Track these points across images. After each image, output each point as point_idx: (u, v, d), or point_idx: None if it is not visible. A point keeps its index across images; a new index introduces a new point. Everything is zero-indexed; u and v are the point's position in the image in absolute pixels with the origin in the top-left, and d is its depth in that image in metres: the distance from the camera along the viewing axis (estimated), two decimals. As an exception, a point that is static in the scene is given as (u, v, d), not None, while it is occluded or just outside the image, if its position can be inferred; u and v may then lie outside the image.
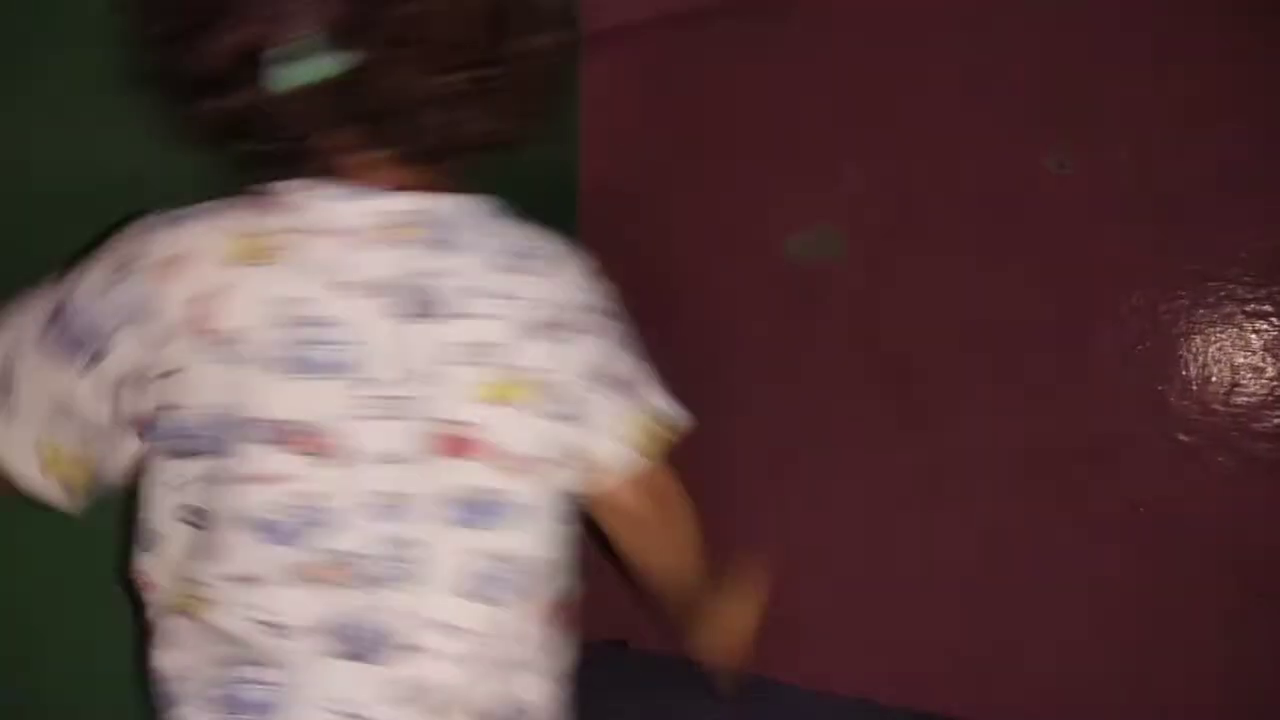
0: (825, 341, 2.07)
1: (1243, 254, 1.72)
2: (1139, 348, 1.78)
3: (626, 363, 1.14)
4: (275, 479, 0.82)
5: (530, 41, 0.92)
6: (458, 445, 0.89)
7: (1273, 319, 1.71)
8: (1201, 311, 1.75)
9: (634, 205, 2.31)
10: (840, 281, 2.05)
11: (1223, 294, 1.73)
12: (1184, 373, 1.76)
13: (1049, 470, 1.85)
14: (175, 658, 0.87)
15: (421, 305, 0.89)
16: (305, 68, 0.79)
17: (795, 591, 2.12)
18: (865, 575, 2.03)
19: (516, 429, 0.93)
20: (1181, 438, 1.75)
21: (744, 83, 2.16)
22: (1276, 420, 1.70)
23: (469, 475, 0.90)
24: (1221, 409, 1.73)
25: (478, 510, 0.89)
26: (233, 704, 0.83)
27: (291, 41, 0.79)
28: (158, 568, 0.88)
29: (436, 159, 0.94)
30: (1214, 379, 1.74)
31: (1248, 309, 1.72)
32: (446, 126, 0.89)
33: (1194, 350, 1.75)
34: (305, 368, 0.82)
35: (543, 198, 2.28)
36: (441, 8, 0.83)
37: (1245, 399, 1.72)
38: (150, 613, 0.92)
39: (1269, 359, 1.71)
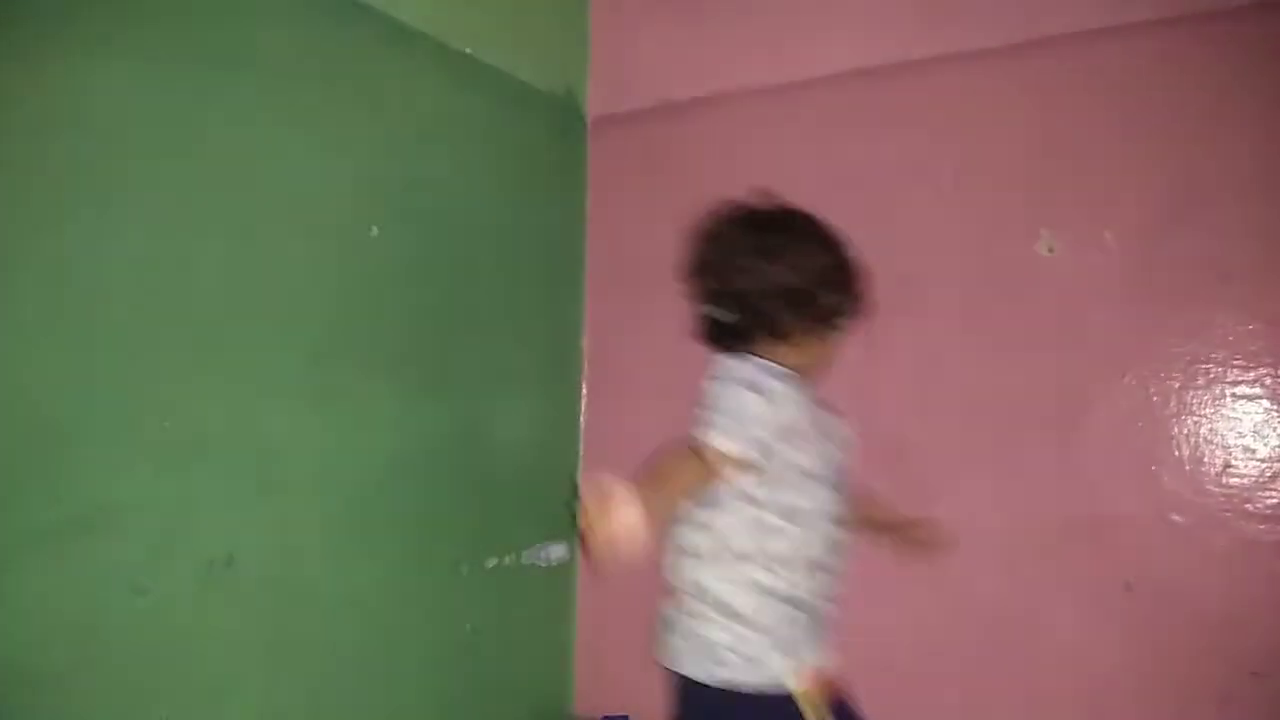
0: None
1: (1230, 337, 1.76)
2: (1132, 429, 1.81)
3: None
4: None
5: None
6: None
7: (1263, 401, 1.74)
8: (1192, 393, 1.78)
9: (640, 281, 2.36)
10: (838, 357, 2.08)
11: (1213, 376, 1.77)
12: (1176, 454, 1.78)
13: (1046, 550, 1.86)
14: None
15: None
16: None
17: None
18: (867, 653, 2.02)
19: None
20: (1175, 518, 1.77)
21: (743, 165, 2.23)
22: (1270, 501, 1.72)
23: None
24: (1215, 490, 1.75)
25: None
26: None
27: None
28: None
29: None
30: (1206, 460, 1.76)
31: (1238, 391, 1.75)
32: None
33: (1186, 431, 1.78)
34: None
35: (553, 272, 2.36)
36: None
37: (1238, 480, 1.74)
38: None
39: (1260, 440, 1.74)
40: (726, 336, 1.61)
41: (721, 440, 1.43)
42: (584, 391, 2.42)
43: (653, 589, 2.29)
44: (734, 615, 1.44)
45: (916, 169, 2.03)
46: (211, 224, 1.54)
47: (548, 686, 2.27)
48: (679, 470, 1.45)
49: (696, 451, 1.44)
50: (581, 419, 2.41)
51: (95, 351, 1.38)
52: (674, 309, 2.36)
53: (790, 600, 1.45)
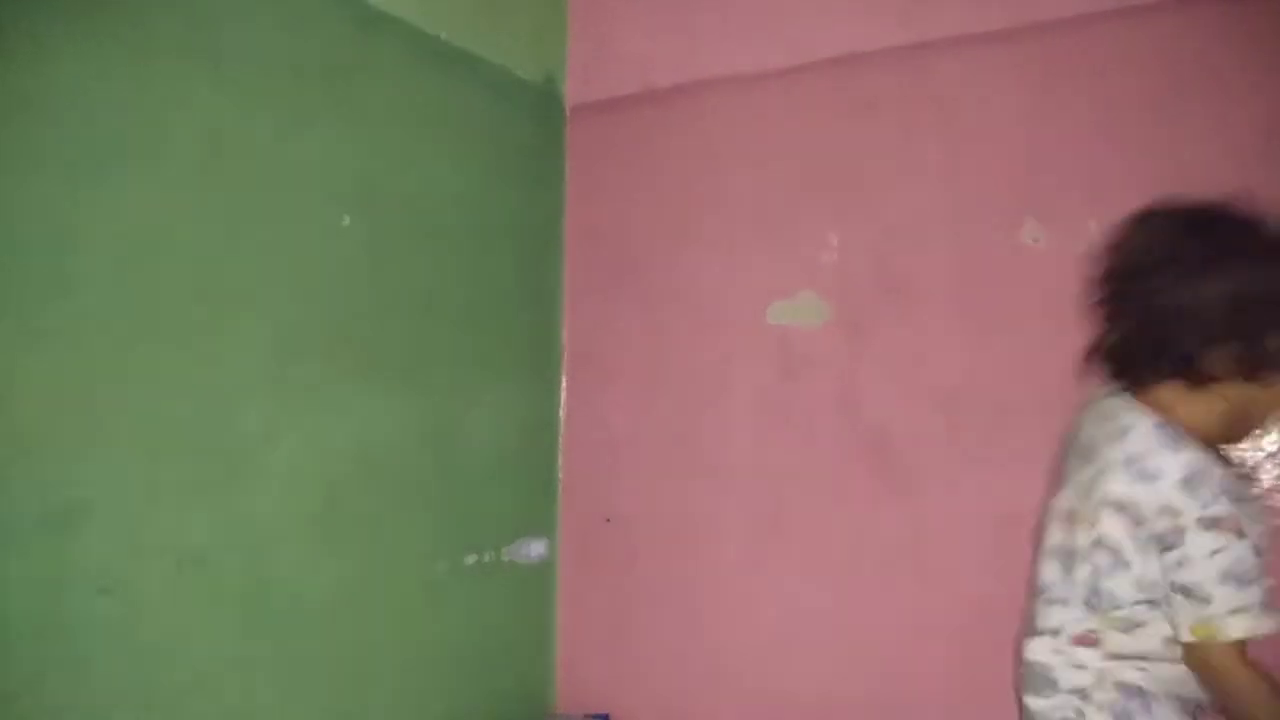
0: (809, 410, 2.08)
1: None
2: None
3: None
4: None
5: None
6: None
7: (1248, 391, 1.73)
8: (1178, 382, 1.77)
9: (620, 272, 2.33)
10: (823, 349, 2.07)
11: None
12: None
13: (1031, 541, 1.85)
14: None
15: None
16: None
17: (784, 659, 2.11)
18: (848, 645, 2.01)
19: None
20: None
21: (725, 154, 2.21)
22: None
23: None
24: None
25: None
26: None
27: None
28: None
29: None
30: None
31: (1223, 381, 1.74)
32: None
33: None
34: None
35: (531, 263, 2.32)
36: None
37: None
38: None
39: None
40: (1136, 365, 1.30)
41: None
42: (564, 384, 2.39)
43: (632, 584, 2.28)
44: None
45: (900, 157, 2.01)
46: (180, 216, 1.51)
47: (528, 684, 2.25)
48: None
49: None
50: (561, 412, 2.38)
51: (60, 346, 1.35)
52: (654, 298, 2.35)
53: None
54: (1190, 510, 1.17)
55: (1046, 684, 1.32)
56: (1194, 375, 1.23)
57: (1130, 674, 1.26)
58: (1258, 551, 1.18)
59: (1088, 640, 1.28)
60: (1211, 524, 1.16)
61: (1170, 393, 1.26)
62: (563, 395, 2.39)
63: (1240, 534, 1.17)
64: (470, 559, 2.07)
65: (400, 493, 1.90)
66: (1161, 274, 1.25)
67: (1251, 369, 1.22)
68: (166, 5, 1.49)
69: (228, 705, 1.56)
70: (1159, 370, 1.26)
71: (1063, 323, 1.85)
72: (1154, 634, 1.24)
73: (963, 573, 1.90)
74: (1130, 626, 1.25)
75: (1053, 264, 1.86)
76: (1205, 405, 1.25)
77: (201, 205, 1.54)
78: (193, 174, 1.53)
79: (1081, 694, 1.28)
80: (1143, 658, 1.25)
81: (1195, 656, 1.20)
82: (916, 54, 2.01)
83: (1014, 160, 1.91)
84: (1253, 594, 1.17)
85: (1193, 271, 1.23)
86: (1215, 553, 1.16)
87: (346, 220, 1.79)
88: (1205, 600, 1.17)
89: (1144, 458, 1.22)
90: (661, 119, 2.30)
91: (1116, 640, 1.27)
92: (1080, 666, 1.29)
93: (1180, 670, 1.23)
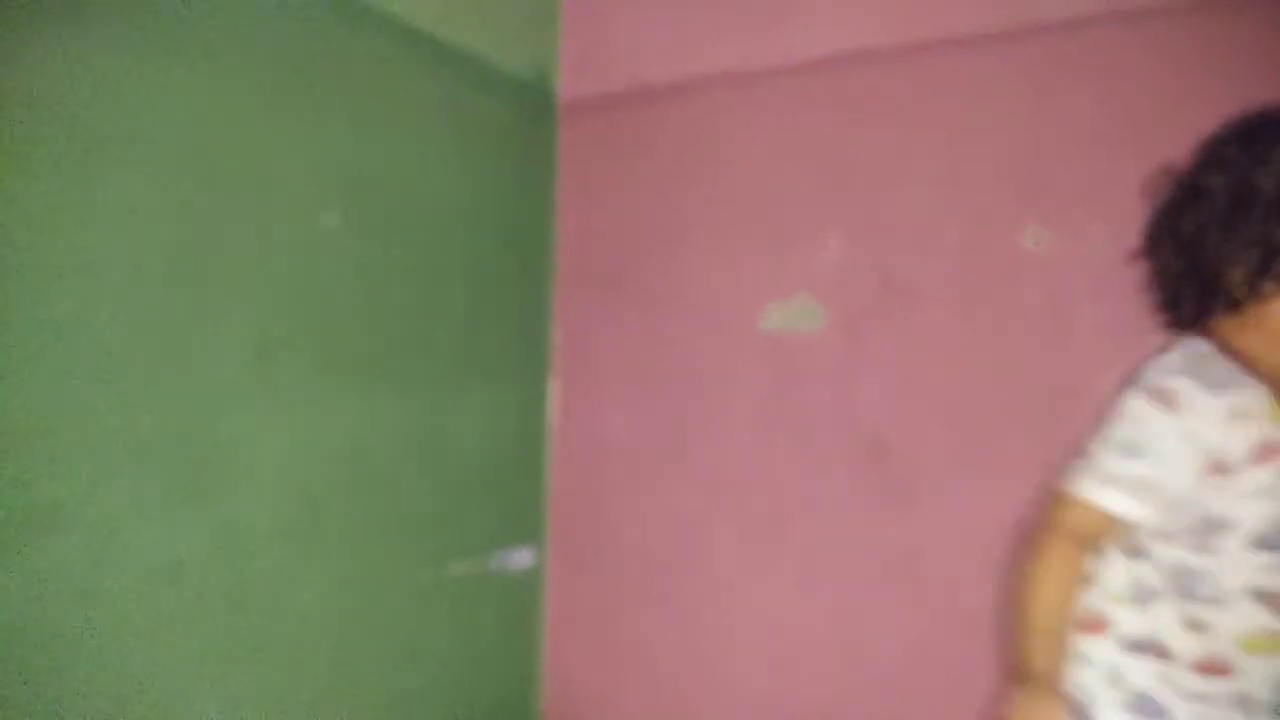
0: (805, 416, 2.05)
1: (1222, 334, 1.72)
2: (1120, 427, 1.77)
3: None
4: None
5: None
6: None
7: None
8: (1181, 391, 1.74)
9: (612, 274, 2.31)
10: (820, 353, 2.04)
11: (1203, 374, 1.73)
12: (1166, 453, 1.74)
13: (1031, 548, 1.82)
14: None
15: None
16: None
17: (777, 669, 2.09)
18: (845, 657, 1.99)
19: None
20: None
21: (719, 152, 2.18)
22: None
23: None
24: (1204, 491, 1.71)
25: None
26: None
27: None
28: None
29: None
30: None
31: (1228, 390, 1.72)
32: None
33: (1175, 431, 1.74)
34: None
35: (521, 263, 2.30)
36: None
37: (1228, 481, 1.70)
38: None
39: (1251, 441, 1.70)
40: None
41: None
42: (553, 388, 2.36)
43: (621, 594, 2.26)
44: None
45: (900, 158, 1.99)
46: (159, 215, 1.47)
47: (515, 695, 2.23)
48: None
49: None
50: (550, 417, 2.35)
51: (35, 348, 1.31)
52: (647, 301, 2.33)
53: None
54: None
55: None
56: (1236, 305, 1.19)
57: None
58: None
59: None
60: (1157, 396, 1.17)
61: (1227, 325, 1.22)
62: (552, 400, 2.36)
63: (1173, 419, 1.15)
64: (457, 567, 2.04)
65: (386, 499, 1.87)
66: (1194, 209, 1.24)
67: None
68: (149, 7, 1.46)
69: (208, 713, 1.53)
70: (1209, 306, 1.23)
71: (1066, 328, 1.84)
72: None
73: (962, 583, 1.88)
74: None
75: (1055, 268, 1.84)
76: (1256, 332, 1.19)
77: (183, 204, 1.50)
78: (175, 172, 1.49)
79: None
80: None
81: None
82: (916, 54, 1.99)
83: (1016, 163, 1.89)
84: (1126, 468, 1.17)
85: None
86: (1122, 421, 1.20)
87: (333, 220, 1.76)
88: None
89: None
90: (655, 116, 2.27)
91: None
92: None
93: None
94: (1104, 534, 1.24)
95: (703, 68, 2.21)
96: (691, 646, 2.15)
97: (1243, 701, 1.17)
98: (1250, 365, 1.19)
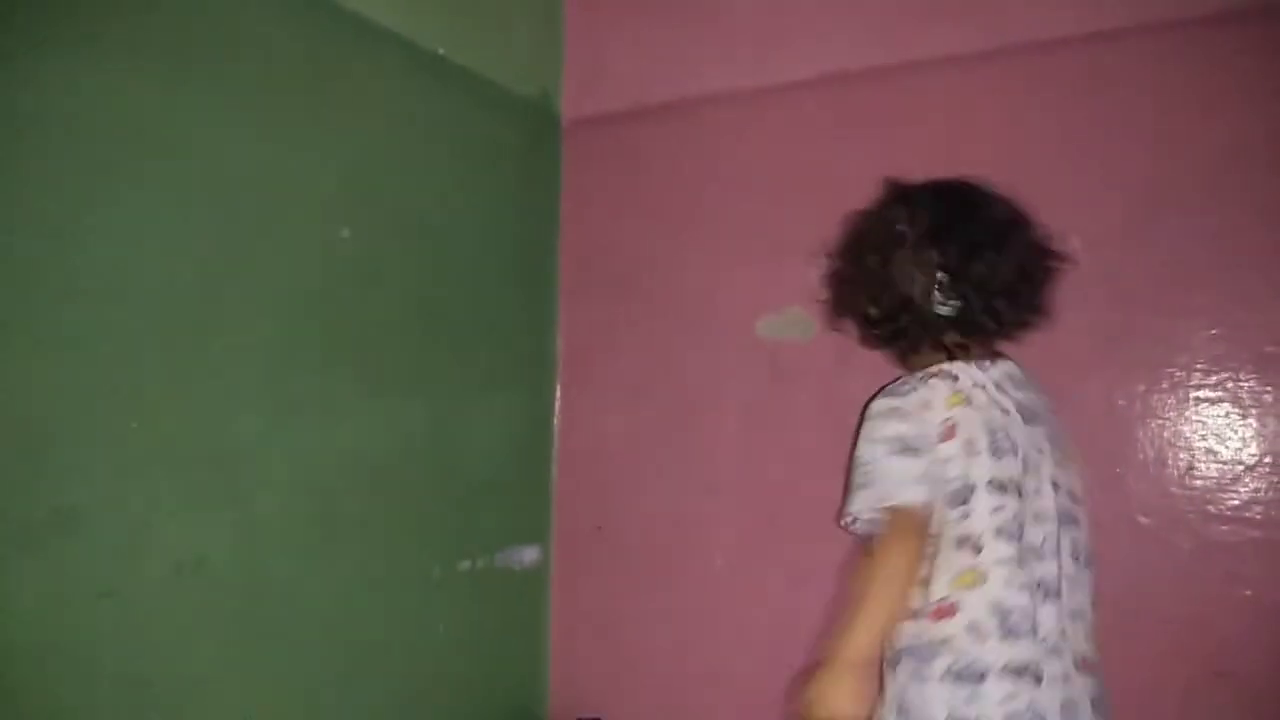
0: (798, 420, 2.11)
1: (1194, 342, 1.78)
2: (1098, 431, 1.84)
3: None
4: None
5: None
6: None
7: (1225, 404, 1.77)
8: (1157, 397, 1.81)
9: (613, 284, 2.36)
10: (812, 360, 2.10)
11: (1177, 380, 1.80)
12: (1141, 456, 1.81)
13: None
14: None
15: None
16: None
17: (776, 666, 2.13)
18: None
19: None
20: (1141, 520, 1.79)
21: (719, 170, 2.24)
22: (1232, 502, 1.74)
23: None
24: (1179, 492, 1.78)
25: None
26: None
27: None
28: None
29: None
30: (1170, 463, 1.79)
31: (1201, 395, 1.78)
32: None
33: (1150, 435, 1.81)
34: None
35: (526, 275, 2.36)
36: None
37: (1201, 482, 1.77)
38: None
39: (1222, 443, 1.76)
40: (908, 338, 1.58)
41: None
42: (558, 393, 2.42)
43: (624, 591, 2.30)
44: None
45: (889, 173, 2.03)
46: (179, 227, 1.53)
47: (521, 688, 2.26)
48: None
49: None
50: (555, 421, 2.40)
51: (62, 354, 1.37)
52: (647, 311, 2.38)
53: None
54: None
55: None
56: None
57: None
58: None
59: None
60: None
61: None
62: (556, 404, 2.41)
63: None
64: (464, 564, 2.09)
65: (396, 499, 1.92)
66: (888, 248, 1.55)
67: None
68: (165, 24, 1.52)
69: (226, 706, 1.58)
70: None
71: (1043, 336, 1.88)
72: None
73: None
74: None
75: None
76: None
77: (202, 218, 1.57)
78: (193, 187, 1.55)
79: None
80: None
81: None
82: (902, 73, 2.05)
83: (997, 177, 1.93)
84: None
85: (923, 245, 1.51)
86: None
87: (346, 233, 1.82)
88: None
89: None
90: (655, 135, 2.34)
91: None
92: None
93: None
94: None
95: (699, 88, 2.28)
96: (691, 640, 2.20)
97: (971, 629, 1.38)
98: None
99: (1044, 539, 1.42)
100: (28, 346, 1.33)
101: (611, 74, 2.42)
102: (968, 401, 1.45)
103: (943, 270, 1.51)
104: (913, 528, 1.41)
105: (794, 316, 2.12)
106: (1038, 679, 1.34)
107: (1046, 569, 1.41)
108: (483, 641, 2.15)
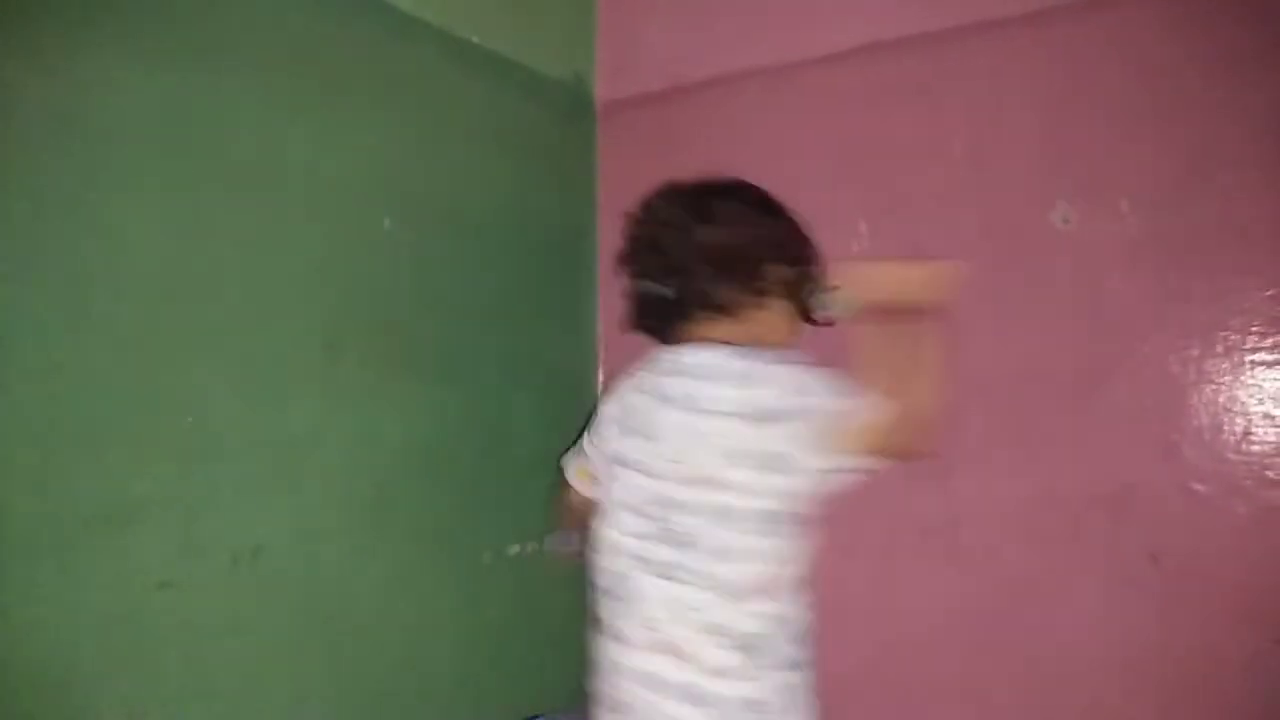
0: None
1: (1248, 303, 1.75)
2: (1151, 398, 1.81)
3: None
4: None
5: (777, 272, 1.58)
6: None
7: (1282, 367, 1.73)
8: (1211, 361, 1.77)
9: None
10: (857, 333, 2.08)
11: (1231, 343, 1.76)
12: (1196, 422, 1.78)
13: (1066, 521, 1.86)
14: None
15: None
16: None
17: (818, 638, 2.13)
18: (885, 625, 2.03)
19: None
20: (1196, 487, 1.76)
21: (754, 146, 2.23)
22: (1290, 467, 1.71)
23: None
24: (1235, 457, 1.74)
25: None
26: None
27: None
28: None
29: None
30: (1226, 428, 1.76)
31: (1256, 357, 1.74)
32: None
33: (1205, 400, 1.77)
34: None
35: (565, 258, 2.36)
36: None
37: (1258, 447, 1.73)
38: None
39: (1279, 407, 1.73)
40: (658, 315, 1.60)
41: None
42: (600, 377, 2.42)
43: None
44: None
45: (929, 143, 2.02)
46: (224, 221, 1.55)
47: (571, 671, 2.28)
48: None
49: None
50: (599, 405, 2.41)
51: (117, 351, 1.40)
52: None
53: None
54: None
55: None
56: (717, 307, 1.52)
57: None
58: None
59: None
60: None
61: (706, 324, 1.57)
62: (599, 389, 2.42)
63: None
64: (514, 549, 2.11)
65: (447, 486, 1.95)
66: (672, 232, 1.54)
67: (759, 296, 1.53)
68: (202, 11, 1.54)
69: (283, 692, 1.61)
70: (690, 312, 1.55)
71: (1095, 302, 1.87)
72: None
73: (998, 551, 1.92)
74: None
75: (1085, 245, 1.87)
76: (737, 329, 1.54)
77: (246, 211, 1.59)
78: (236, 181, 1.57)
79: None
80: None
81: None
82: (942, 40, 2.02)
83: (1044, 142, 1.92)
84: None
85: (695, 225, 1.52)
86: None
87: (388, 223, 1.84)
88: None
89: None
90: (690, 114, 2.33)
91: None
92: None
93: None
94: None
95: (733, 65, 2.27)
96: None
97: None
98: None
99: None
100: (89, 347, 1.36)
101: (645, 54, 2.41)
102: None
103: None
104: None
105: (842, 294, 2.10)
106: None
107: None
108: (533, 623, 2.18)
